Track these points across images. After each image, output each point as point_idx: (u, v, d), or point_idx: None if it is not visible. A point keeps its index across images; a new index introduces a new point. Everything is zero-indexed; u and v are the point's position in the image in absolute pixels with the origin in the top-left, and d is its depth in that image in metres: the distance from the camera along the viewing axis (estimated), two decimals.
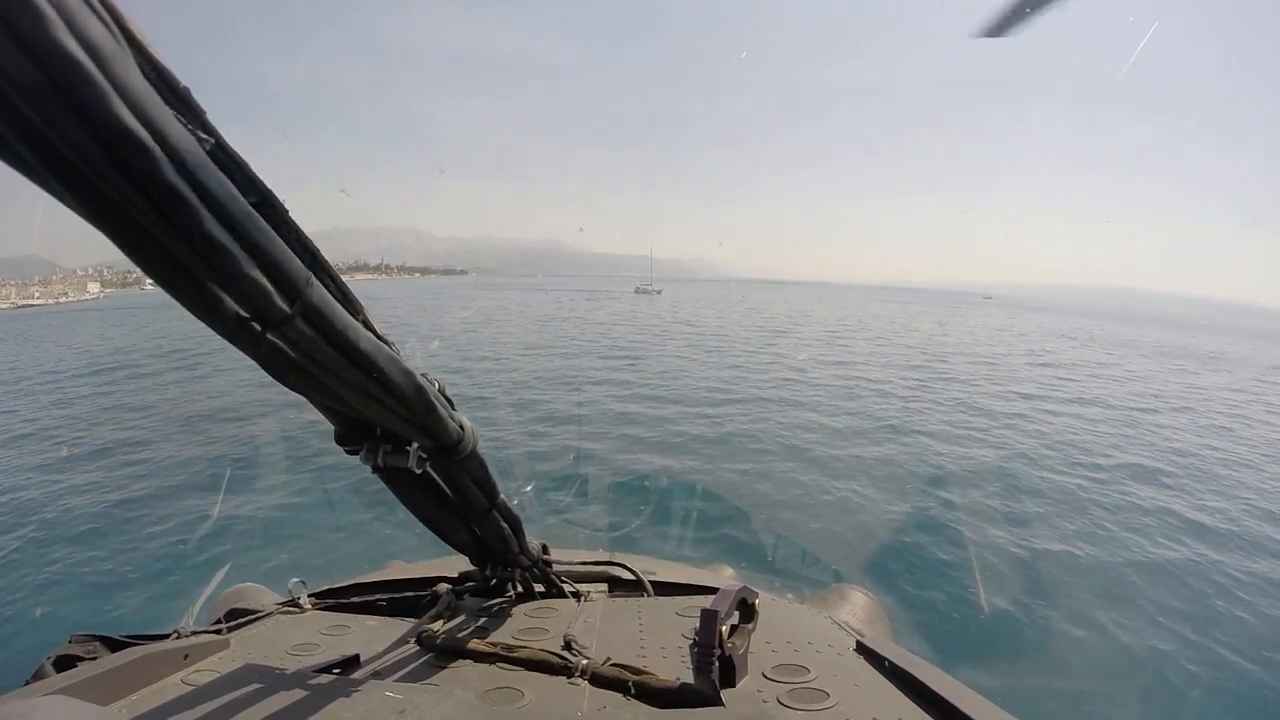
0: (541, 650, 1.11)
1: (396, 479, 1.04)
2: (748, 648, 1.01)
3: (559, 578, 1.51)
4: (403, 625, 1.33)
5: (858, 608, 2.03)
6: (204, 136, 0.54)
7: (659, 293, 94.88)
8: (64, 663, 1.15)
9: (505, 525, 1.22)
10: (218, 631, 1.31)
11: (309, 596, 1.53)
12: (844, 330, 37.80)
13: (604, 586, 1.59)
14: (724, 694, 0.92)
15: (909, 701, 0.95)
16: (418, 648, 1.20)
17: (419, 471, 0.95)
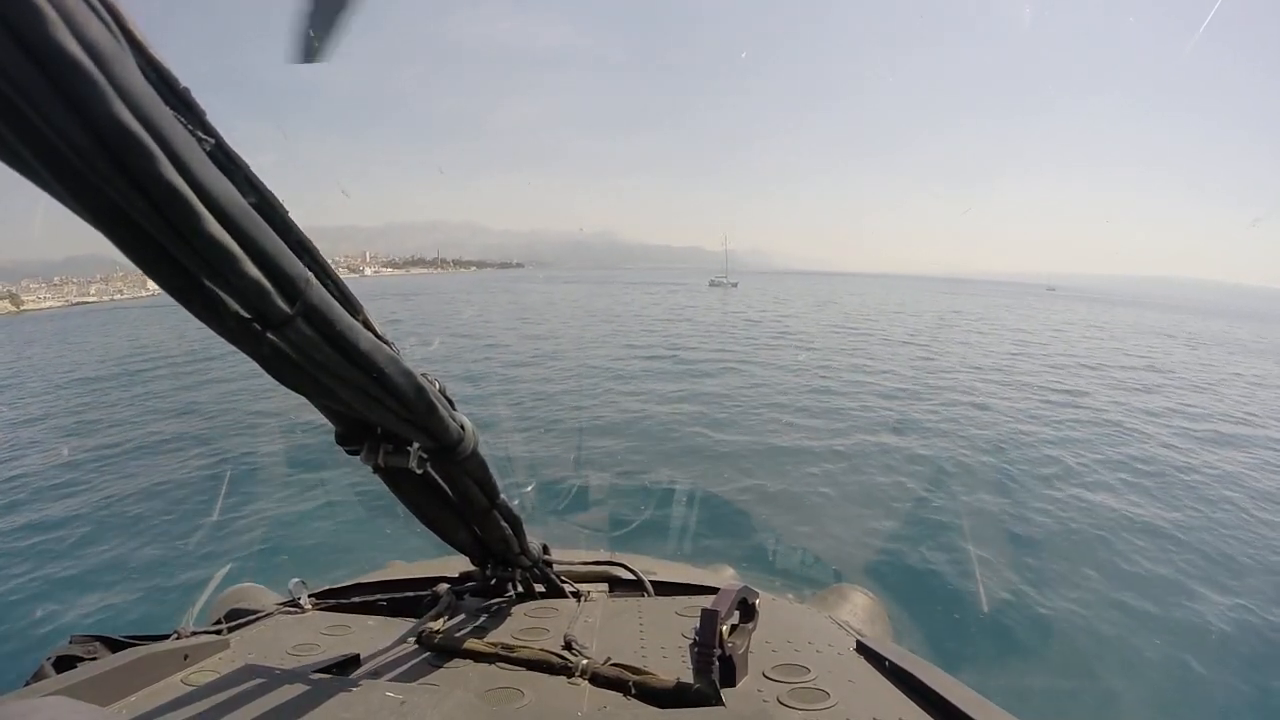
0: (542, 650, 1.11)
1: (397, 479, 1.04)
2: (748, 647, 1.01)
3: (559, 578, 1.51)
4: (403, 625, 1.33)
5: (858, 607, 2.03)
6: (204, 137, 0.54)
7: (734, 285, 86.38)
8: (64, 663, 1.15)
9: (506, 525, 1.22)
10: (218, 632, 1.31)
11: (309, 596, 1.53)
12: (983, 331, 31.50)
13: (604, 586, 1.59)
14: (724, 694, 0.92)
15: (909, 701, 0.95)
16: (418, 648, 1.20)
17: (419, 471, 0.95)
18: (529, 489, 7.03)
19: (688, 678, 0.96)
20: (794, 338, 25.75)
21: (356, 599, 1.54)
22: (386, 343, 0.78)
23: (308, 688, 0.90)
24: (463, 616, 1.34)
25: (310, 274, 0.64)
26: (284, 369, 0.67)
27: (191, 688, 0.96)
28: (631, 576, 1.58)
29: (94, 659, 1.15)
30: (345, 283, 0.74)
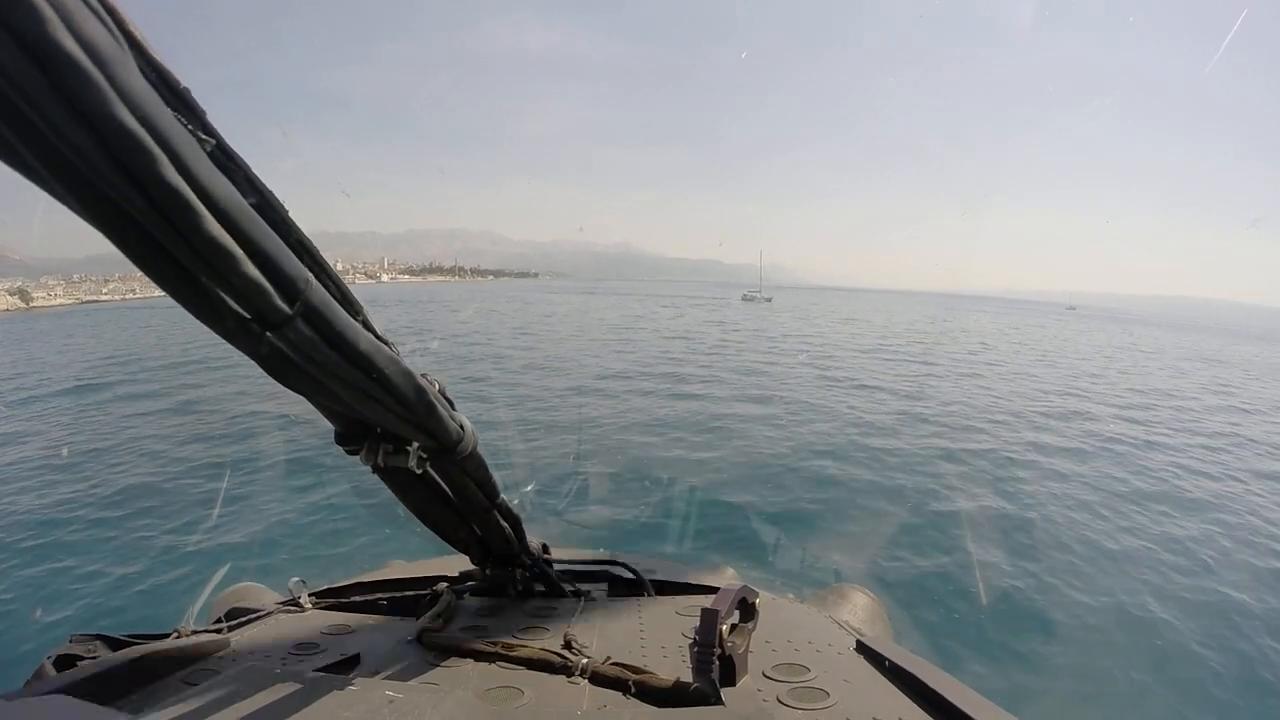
0: (542, 649, 1.11)
1: (397, 479, 1.04)
2: (748, 647, 1.01)
3: (559, 577, 1.51)
4: (403, 624, 1.33)
5: (858, 607, 2.03)
6: (204, 137, 0.54)
7: (769, 301, 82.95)
8: (64, 662, 1.15)
9: (506, 525, 1.22)
10: (218, 631, 1.31)
11: (309, 596, 1.53)
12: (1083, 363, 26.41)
13: (604, 586, 1.59)
14: (724, 693, 0.92)
15: (909, 701, 0.96)
16: (418, 647, 1.20)
17: (419, 471, 0.95)
18: (529, 489, 7.03)
19: (688, 677, 0.96)
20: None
21: (356, 598, 1.55)
22: (386, 343, 0.78)
23: (308, 687, 0.90)
24: (463, 616, 1.34)
25: (310, 274, 0.64)
26: (283, 369, 0.67)
27: (192, 687, 0.96)
28: (631, 576, 1.58)
29: (94, 658, 1.16)
30: (346, 283, 0.74)
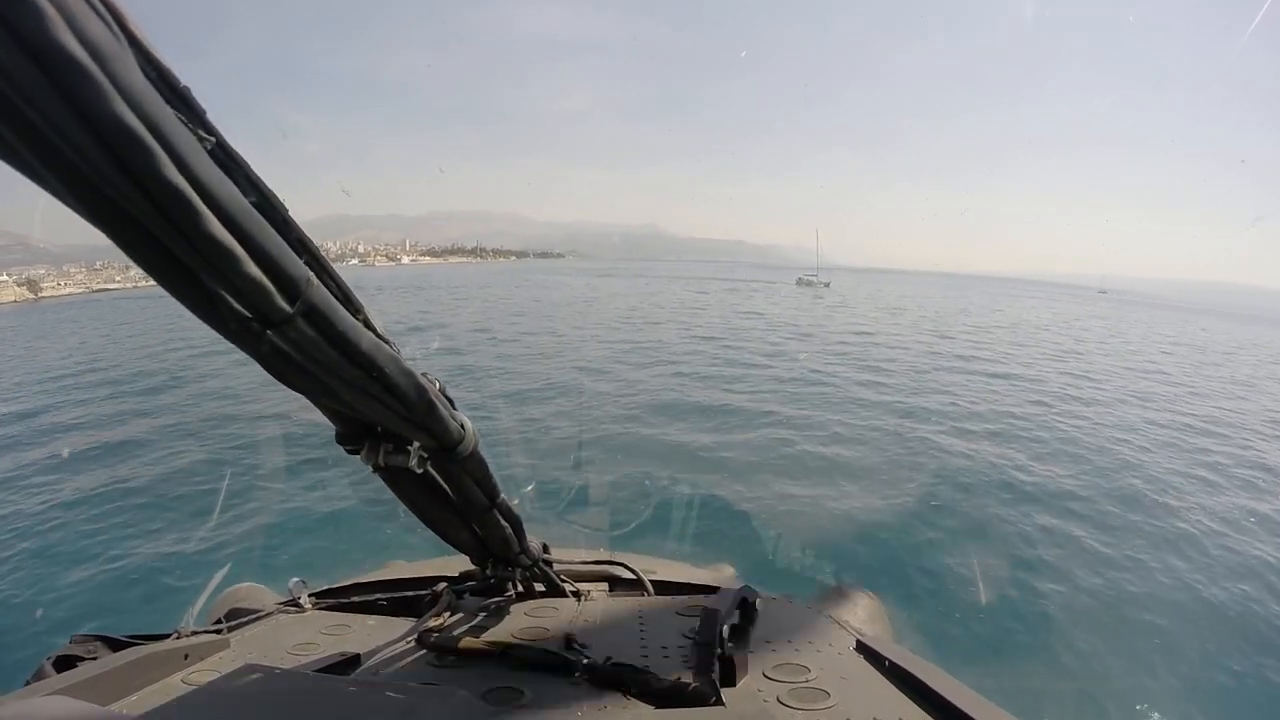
0: (542, 650, 1.12)
1: (397, 479, 1.04)
2: (748, 647, 1.01)
3: (559, 577, 1.51)
4: (403, 624, 1.33)
5: (859, 607, 2.03)
6: (205, 136, 0.54)
7: (826, 285, 73.83)
8: (64, 663, 1.15)
9: (506, 525, 1.22)
10: (218, 631, 1.32)
11: (309, 596, 1.53)
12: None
13: (605, 586, 1.59)
14: (724, 693, 0.92)
15: (909, 701, 0.96)
16: (418, 647, 1.20)
17: (420, 471, 0.95)
18: (529, 489, 7.03)
19: (688, 677, 0.96)
20: None
21: (356, 598, 1.55)
22: (387, 342, 0.78)
23: (308, 687, 0.90)
24: (462, 616, 1.34)
25: (311, 274, 0.64)
26: (284, 368, 0.67)
27: (192, 687, 0.96)
28: (632, 576, 1.58)
29: (94, 659, 1.16)
30: (346, 282, 0.74)
